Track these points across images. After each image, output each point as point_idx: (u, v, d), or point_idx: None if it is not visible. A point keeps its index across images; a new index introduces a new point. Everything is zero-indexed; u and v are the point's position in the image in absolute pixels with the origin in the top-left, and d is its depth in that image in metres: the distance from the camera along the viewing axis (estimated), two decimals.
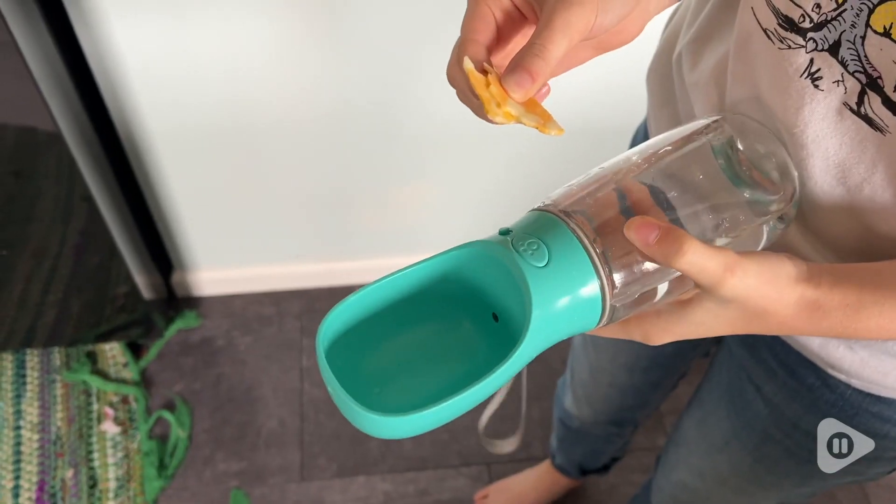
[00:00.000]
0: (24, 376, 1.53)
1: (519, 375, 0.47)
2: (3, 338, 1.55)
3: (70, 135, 1.20)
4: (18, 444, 1.45)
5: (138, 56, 1.19)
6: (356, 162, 1.42)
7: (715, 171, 0.46)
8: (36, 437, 1.46)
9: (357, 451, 1.49)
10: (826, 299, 0.42)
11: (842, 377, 0.59)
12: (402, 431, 0.39)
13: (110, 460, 1.44)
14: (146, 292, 1.50)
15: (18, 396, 1.50)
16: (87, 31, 1.16)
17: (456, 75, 0.44)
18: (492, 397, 0.52)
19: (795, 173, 0.47)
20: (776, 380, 0.66)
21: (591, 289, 0.42)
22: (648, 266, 0.43)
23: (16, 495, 1.40)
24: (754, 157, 0.47)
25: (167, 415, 1.50)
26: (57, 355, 1.55)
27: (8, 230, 1.37)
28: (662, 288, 0.45)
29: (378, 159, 1.42)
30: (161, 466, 1.44)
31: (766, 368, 0.67)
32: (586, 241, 0.42)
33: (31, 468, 1.43)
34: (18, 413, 1.48)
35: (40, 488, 1.41)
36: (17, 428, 1.47)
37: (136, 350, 1.58)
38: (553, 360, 1.51)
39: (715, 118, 0.49)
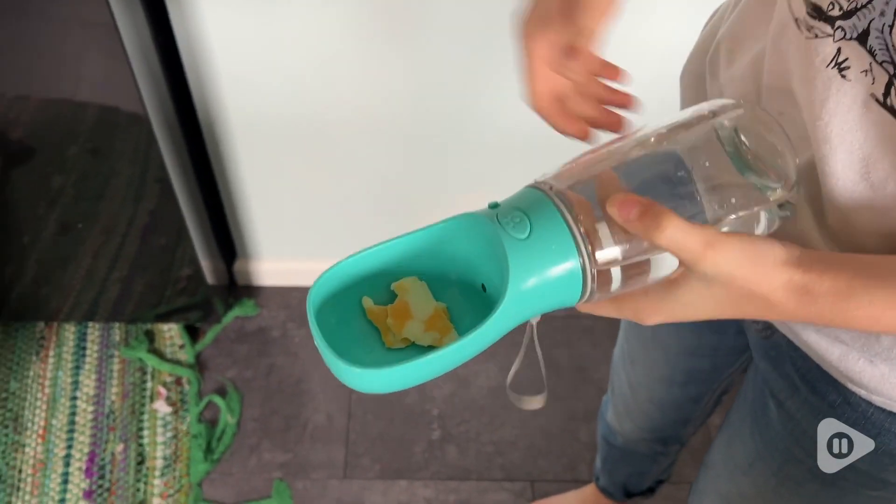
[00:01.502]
0: (84, 349, 1.56)
1: (532, 340, 0.50)
2: (67, 309, 1.58)
3: (154, 117, 1.22)
4: (73, 413, 1.48)
5: (226, 43, 1.21)
6: (425, 165, 1.42)
7: (718, 154, 0.46)
8: (90, 408, 1.49)
9: (401, 454, 1.49)
10: (815, 284, 0.42)
11: (863, 393, 0.57)
12: (379, 385, 0.42)
13: (159, 439, 1.46)
14: (209, 277, 1.52)
15: (77, 368, 1.54)
16: (181, 15, 1.18)
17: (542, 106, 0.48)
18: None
19: (796, 161, 0.47)
20: (798, 395, 0.64)
21: (571, 263, 0.42)
22: (634, 244, 0.44)
23: (67, 463, 1.43)
24: (758, 144, 0.46)
25: (218, 400, 1.51)
26: (117, 331, 1.58)
27: (80, 206, 1.41)
28: (653, 267, 0.45)
29: (447, 164, 1.42)
30: (208, 450, 1.46)
31: (789, 383, 0.65)
32: (569, 217, 0.43)
33: (83, 438, 1.45)
34: (76, 384, 1.52)
35: (90, 459, 1.43)
36: (74, 398, 1.50)
37: (192, 333, 1.61)
38: (602, 380, 1.48)
39: (724, 102, 0.49)
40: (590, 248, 0.43)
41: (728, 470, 0.82)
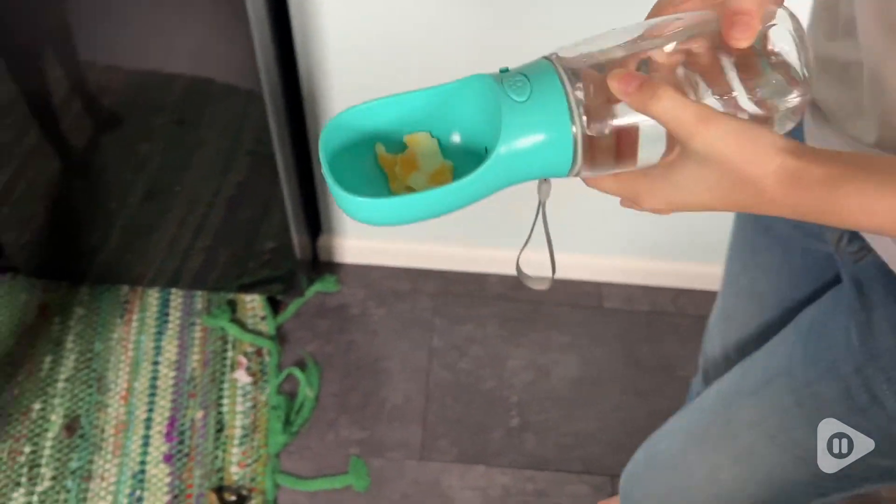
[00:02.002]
0: (166, 315, 1.57)
1: (545, 222, 0.54)
2: (151, 275, 1.60)
3: (267, 92, 1.22)
4: (155, 378, 1.49)
5: (337, 14, 1.21)
6: None
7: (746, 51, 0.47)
8: (172, 374, 1.50)
9: (479, 440, 1.46)
10: (807, 170, 0.42)
11: None
12: (369, 215, 0.45)
13: (238, 408, 1.46)
14: (297, 251, 1.51)
15: (160, 333, 1.55)
16: None
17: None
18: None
19: (810, 75, 0.47)
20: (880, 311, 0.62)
21: (563, 129, 0.44)
22: (627, 119, 0.45)
23: (148, 426, 1.43)
24: (788, 50, 0.47)
25: (298, 373, 1.51)
26: (199, 299, 1.59)
27: (166, 175, 1.41)
28: (644, 146, 0.46)
29: None
30: (287, 422, 1.45)
31: (872, 302, 0.63)
32: (568, 87, 0.44)
33: (164, 403, 1.46)
34: (158, 349, 1.52)
35: (171, 424, 1.44)
36: (156, 363, 1.51)
37: (274, 305, 1.60)
38: (688, 378, 1.44)
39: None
40: (584, 118, 0.44)
41: (717, 402, 0.79)
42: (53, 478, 1.37)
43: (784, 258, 0.81)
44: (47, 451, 1.40)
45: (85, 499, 1.35)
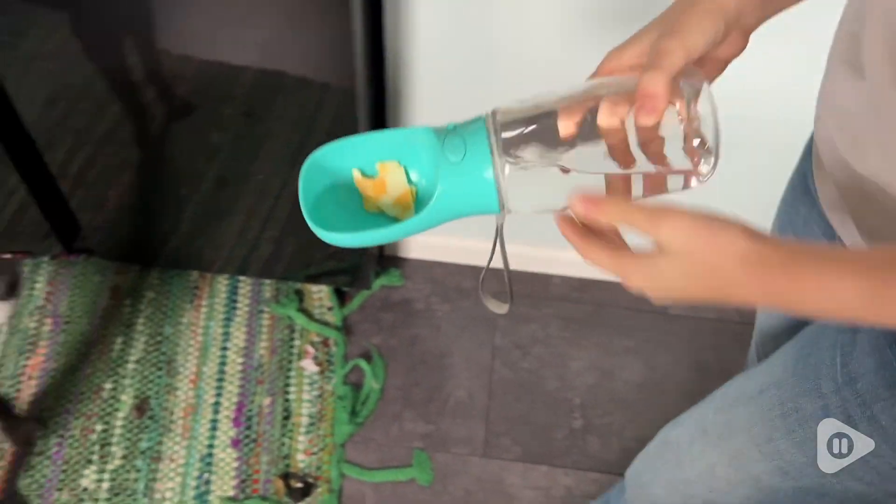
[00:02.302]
0: (235, 301, 1.59)
1: (503, 251, 0.61)
2: (220, 262, 1.61)
3: (361, 88, 1.23)
4: (223, 363, 1.51)
5: (430, 22, 1.22)
6: None
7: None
8: (240, 360, 1.51)
9: (542, 440, 1.46)
10: (767, 253, 0.43)
11: None
12: (342, 242, 0.55)
13: (305, 397, 1.47)
14: None
15: (228, 319, 1.56)
16: None
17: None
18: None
19: (720, 154, 0.51)
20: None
21: (488, 187, 0.52)
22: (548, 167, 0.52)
23: (216, 411, 1.45)
24: (700, 122, 0.51)
25: (363, 364, 1.52)
26: (267, 288, 1.61)
27: (235, 165, 1.43)
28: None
29: None
30: (352, 413, 1.46)
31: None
32: (494, 146, 0.51)
33: (232, 388, 1.48)
34: (226, 335, 1.54)
35: (238, 409, 1.45)
36: (224, 349, 1.53)
37: (340, 297, 1.62)
38: None
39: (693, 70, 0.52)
40: (505, 170, 0.52)
41: (725, 402, 0.80)
42: (124, 457, 1.39)
43: None
44: (118, 431, 1.42)
45: (154, 479, 1.37)
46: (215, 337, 1.54)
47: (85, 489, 1.36)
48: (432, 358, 1.56)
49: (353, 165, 0.57)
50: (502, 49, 1.24)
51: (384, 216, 0.57)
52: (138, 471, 1.38)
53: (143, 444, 1.41)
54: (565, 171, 0.52)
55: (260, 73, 1.28)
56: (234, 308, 1.58)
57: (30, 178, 1.44)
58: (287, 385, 1.49)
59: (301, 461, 1.40)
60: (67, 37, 1.21)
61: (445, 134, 0.53)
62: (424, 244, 1.67)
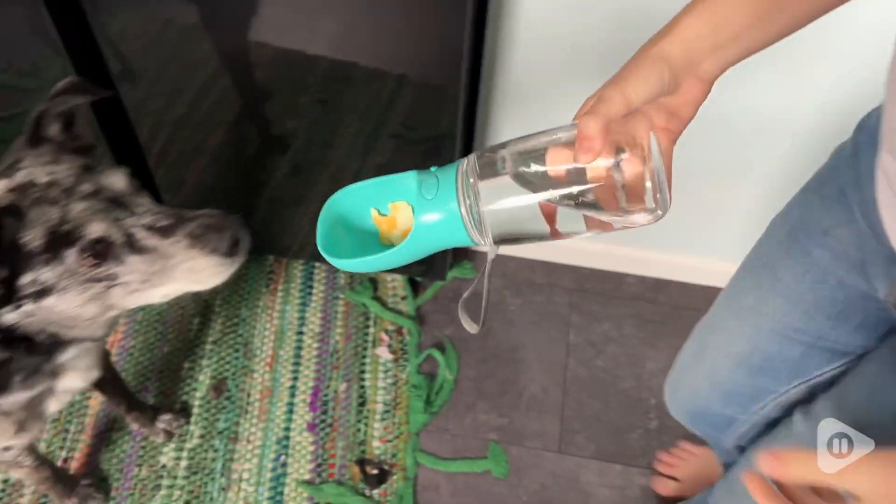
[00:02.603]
0: (310, 287, 1.59)
1: (482, 276, 0.65)
2: (296, 248, 1.62)
3: (463, 84, 1.22)
4: (299, 347, 1.51)
5: (532, 18, 1.21)
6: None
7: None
8: (315, 345, 1.52)
9: (618, 439, 1.45)
10: None
11: None
12: (348, 267, 0.62)
13: (380, 384, 1.47)
14: None
15: (304, 304, 1.57)
16: None
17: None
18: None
19: (667, 206, 0.56)
20: None
21: (456, 222, 0.58)
22: (515, 202, 0.57)
23: (292, 394, 1.46)
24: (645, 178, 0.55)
25: (437, 354, 1.52)
26: (342, 274, 1.61)
27: (310, 152, 1.43)
28: (563, 220, 0.58)
29: (698, 151, 1.38)
30: (427, 402, 1.46)
31: None
32: (461, 187, 0.58)
33: (308, 372, 1.48)
34: (302, 320, 1.55)
35: (314, 393, 1.46)
36: (300, 333, 1.53)
37: (413, 286, 1.62)
38: None
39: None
40: (472, 220, 0.58)
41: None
42: (202, 436, 1.40)
43: (812, 286, 0.78)
44: (195, 410, 1.43)
45: (232, 459, 1.38)
46: (291, 321, 1.54)
47: (163, 466, 1.37)
48: (505, 351, 1.56)
49: (371, 205, 0.65)
50: (601, 53, 1.23)
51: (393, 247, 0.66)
52: (216, 450, 1.38)
53: (221, 425, 1.41)
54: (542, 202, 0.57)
55: (334, 63, 1.29)
56: (310, 293, 1.59)
57: (120, 155, 1.45)
58: (362, 371, 1.49)
59: (376, 448, 1.40)
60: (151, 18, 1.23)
61: (426, 177, 0.61)
62: None
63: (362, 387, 1.47)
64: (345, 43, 1.26)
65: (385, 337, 1.53)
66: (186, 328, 1.53)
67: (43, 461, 1.17)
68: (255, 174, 1.52)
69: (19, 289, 0.70)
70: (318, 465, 1.38)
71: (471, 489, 1.39)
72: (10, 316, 0.73)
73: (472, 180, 0.58)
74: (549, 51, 1.28)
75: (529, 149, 0.59)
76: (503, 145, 0.59)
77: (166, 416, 1.38)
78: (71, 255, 0.70)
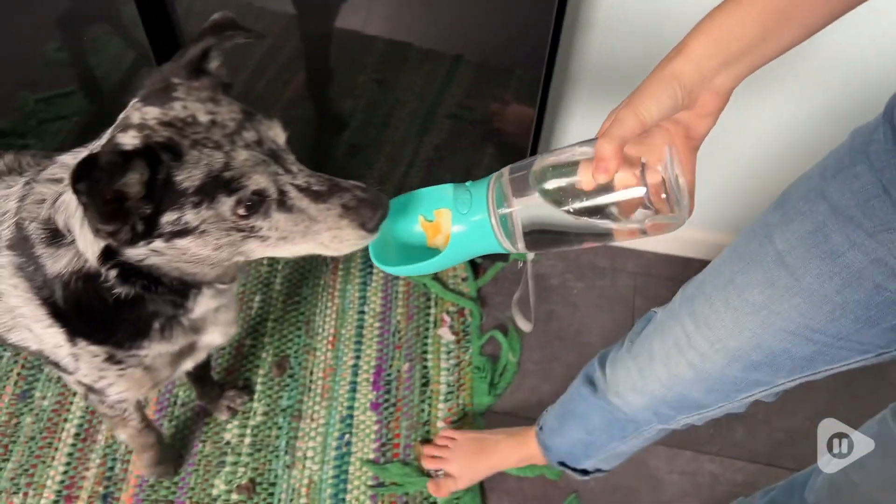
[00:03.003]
0: (371, 267, 1.58)
1: (525, 276, 0.76)
2: None
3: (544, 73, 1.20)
4: (360, 326, 1.50)
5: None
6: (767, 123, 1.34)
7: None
8: (377, 324, 1.50)
9: None
10: None
11: None
12: (397, 272, 0.71)
13: (443, 365, 1.45)
14: None
15: (364, 284, 1.55)
16: None
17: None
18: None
19: (684, 212, 0.59)
20: None
21: (487, 234, 0.65)
22: (553, 218, 0.62)
23: (355, 373, 1.44)
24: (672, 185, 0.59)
25: (499, 336, 1.49)
26: None
27: (368, 132, 1.41)
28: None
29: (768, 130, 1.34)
30: (491, 384, 1.43)
31: None
32: (491, 201, 0.64)
33: (370, 351, 1.46)
34: (363, 299, 1.53)
35: (377, 372, 1.44)
36: (361, 312, 1.52)
37: (474, 268, 1.59)
38: None
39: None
40: (503, 231, 0.64)
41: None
42: (265, 413, 1.39)
43: (840, 289, 0.69)
44: (259, 388, 1.42)
45: (295, 436, 1.36)
46: (352, 300, 1.53)
47: (227, 442, 1.36)
48: (570, 335, 1.53)
49: (419, 212, 0.71)
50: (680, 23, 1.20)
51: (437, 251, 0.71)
52: (279, 428, 1.37)
53: (284, 402, 1.40)
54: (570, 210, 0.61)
55: (389, 43, 1.27)
56: (370, 273, 1.57)
57: None
58: (425, 352, 1.47)
59: (441, 428, 1.38)
60: None
61: (461, 192, 0.67)
62: None
63: (425, 367, 1.45)
64: (400, 23, 1.24)
65: (447, 318, 1.51)
66: (248, 306, 1.51)
67: (149, 424, 1.16)
68: (314, 154, 1.50)
69: (159, 226, 0.68)
70: (383, 445, 1.36)
71: (537, 474, 1.36)
72: (138, 251, 0.71)
73: (505, 194, 0.64)
74: (627, 36, 1.24)
75: (557, 163, 0.63)
76: (532, 161, 0.64)
77: (230, 393, 1.37)
78: (226, 203, 0.68)
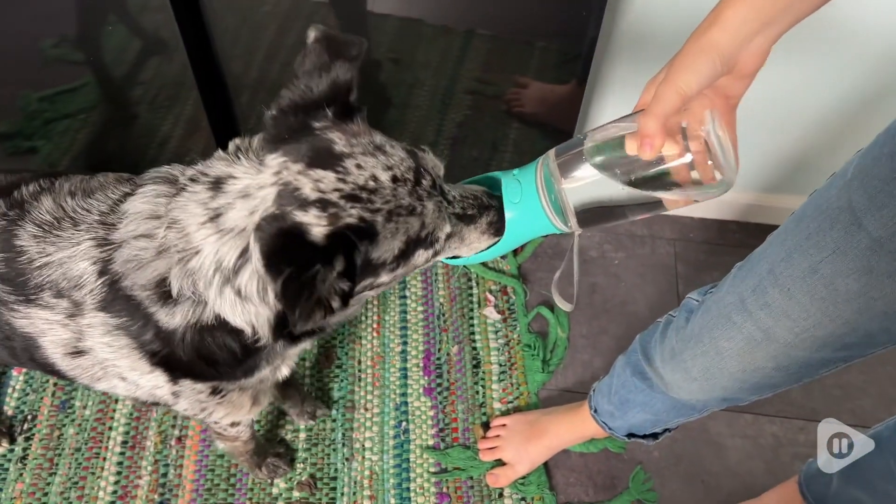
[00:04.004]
0: None
1: (571, 254, 0.79)
2: None
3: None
4: (404, 312, 1.46)
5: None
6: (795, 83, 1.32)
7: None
8: (420, 308, 1.47)
9: None
10: None
11: None
12: (458, 262, 0.78)
13: (492, 345, 1.43)
14: None
15: None
16: None
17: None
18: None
19: (733, 170, 0.61)
20: None
21: (540, 217, 0.68)
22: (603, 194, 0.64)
23: (404, 359, 1.41)
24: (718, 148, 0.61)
25: (546, 312, 1.47)
26: None
27: (384, 114, 1.38)
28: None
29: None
30: (543, 361, 1.41)
31: None
32: (542, 189, 0.67)
33: (416, 336, 1.43)
34: (403, 284, 1.50)
35: (426, 357, 1.41)
36: (403, 297, 1.48)
37: None
38: None
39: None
40: (555, 211, 0.67)
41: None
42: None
43: None
44: (307, 381, 1.38)
45: (351, 428, 1.33)
46: (392, 286, 1.49)
47: (281, 440, 1.32)
48: (615, 306, 1.51)
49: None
50: None
51: None
52: (334, 420, 1.34)
53: (336, 394, 1.36)
54: (627, 182, 0.63)
55: (402, 20, 1.24)
56: None
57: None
58: (472, 333, 1.44)
59: (497, 409, 1.36)
60: None
61: (509, 180, 0.70)
62: None
63: (474, 348, 1.42)
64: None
65: (490, 297, 1.48)
66: None
67: (253, 434, 1.13)
68: None
69: (353, 294, 0.65)
70: (441, 430, 1.33)
71: (598, 446, 1.34)
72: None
73: (554, 176, 0.65)
74: (667, 9, 1.21)
75: (605, 140, 0.64)
76: (578, 141, 0.65)
77: (313, 401, 1.33)
78: (423, 256, 0.68)
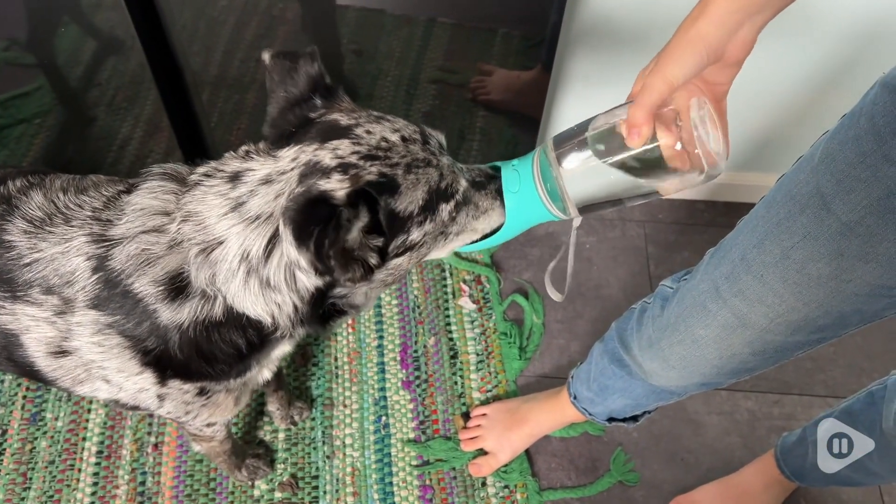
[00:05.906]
0: None
1: (567, 248, 0.81)
2: None
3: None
4: (379, 306, 1.45)
5: None
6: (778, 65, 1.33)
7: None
8: (394, 301, 1.46)
9: None
10: None
11: None
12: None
13: (468, 335, 1.42)
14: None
15: None
16: None
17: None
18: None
19: (722, 155, 0.64)
20: None
21: (537, 206, 0.71)
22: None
23: (381, 354, 1.40)
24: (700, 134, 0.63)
25: (521, 300, 1.47)
26: None
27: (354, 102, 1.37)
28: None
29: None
30: (520, 348, 1.41)
31: None
32: (539, 178, 0.69)
33: (392, 330, 1.42)
34: None
35: (403, 350, 1.40)
36: None
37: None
38: None
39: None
40: (552, 200, 0.70)
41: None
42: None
43: None
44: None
45: (331, 425, 1.32)
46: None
47: (260, 442, 1.30)
48: (589, 290, 1.51)
49: None
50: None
51: None
52: (312, 419, 1.32)
53: (313, 392, 1.35)
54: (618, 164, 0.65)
55: (363, 11, 1.23)
56: None
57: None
58: (448, 324, 1.43)
59: (477, 399, 1.35)
60: None
61: (508, 170, 0.72)
62: None
63: (451, 339, 1.42)
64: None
65: (465, 287, 1.47)
66: None
67: (229, 433, 1.11)
68: None
69: (389, 252, 0.67)
70: (421, 423, 1.33)
71: (578, 430, 1.35)
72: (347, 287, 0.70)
73: (552, 165, 0.67)
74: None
75: (597, 129, 0.66)
76: (575, 131, 0.67)
77: (299, 405, 1.31)
78: (445, 210, 0.69)
